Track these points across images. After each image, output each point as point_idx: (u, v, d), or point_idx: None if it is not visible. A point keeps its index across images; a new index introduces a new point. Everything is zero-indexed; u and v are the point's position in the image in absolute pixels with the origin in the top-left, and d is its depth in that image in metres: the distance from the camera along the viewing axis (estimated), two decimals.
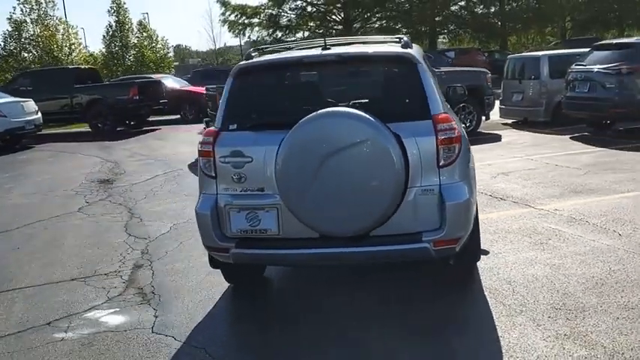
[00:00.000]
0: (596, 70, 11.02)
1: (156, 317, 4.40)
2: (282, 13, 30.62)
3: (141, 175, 10.61)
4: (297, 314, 4.36)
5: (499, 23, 31.63)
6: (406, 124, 3.79)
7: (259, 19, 30.48)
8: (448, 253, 3.88)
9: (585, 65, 11.32)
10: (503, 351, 3.52)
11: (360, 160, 3.64)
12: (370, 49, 4.45)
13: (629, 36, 42.13)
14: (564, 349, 3.47)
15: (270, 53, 4.64)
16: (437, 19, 30.43)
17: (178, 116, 21.52)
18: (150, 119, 20.48)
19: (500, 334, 3.71)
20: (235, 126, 4.10)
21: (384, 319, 4.13)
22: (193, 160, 11.80)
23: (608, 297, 4.12)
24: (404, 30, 28.78)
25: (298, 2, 29.88)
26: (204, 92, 13.24)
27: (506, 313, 4.01)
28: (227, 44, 63.45)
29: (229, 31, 31.50)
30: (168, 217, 7.37)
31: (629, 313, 3.85)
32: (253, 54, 4.44)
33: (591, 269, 4.64)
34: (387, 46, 4.46)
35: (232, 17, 30.41)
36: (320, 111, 3.73)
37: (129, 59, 35.18)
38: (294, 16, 30.54)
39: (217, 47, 58.56)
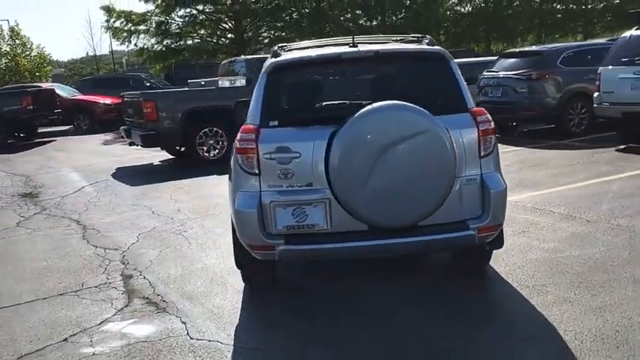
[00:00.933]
0: (504, 75, 11.93)
1: (184, 323, 4.21)
2: (171, 21, 29.83)
3: (64, 187, 9.97)
4: (324, 308, 4.37)
5: (381, 35, 32.95)
6: (447, 117, 3.94)
7: (146, 25, 29.47)
8: (488, 239, 4.08)
9: (497, 72, 12.21)
10: (555, 325, 3.78)
11: (418, 152, 3.74)
12: (402, 46, 4.58)
13: (498, 48, 45.79)
14: (606, 320, 3.79)
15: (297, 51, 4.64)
16: (326, 30, 31.11)
17: (70, 127, 20.36)
18: (40, 130, 19.20)
19: (542, 312, 3.98)
20: (276, 122, 4.05)
21: (424, 304, 4.27)
22: (115, 170, 11.36)
23: (614, 273, 4.54)
24: (297, 39, 29.17)
25: (188, 10, 29.25)
26: (121, 100, 12.63)
27: (535, 293, 4.29)
28: (103, 52, 60.42)
29: (114, 38, 30.11)
30: (126, 227, 7.01)
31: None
32: (280, 52, 4.41)
33: (584, 251, 5.07)
34: (415, 44, 4.61)
35: (117, 24, 29.15)
36: (376, 104, 3.78)
37: (0, 68, 32.58)
38: (183, 23, 29.85)
39: (92, 54, 55.51)
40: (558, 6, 39.20)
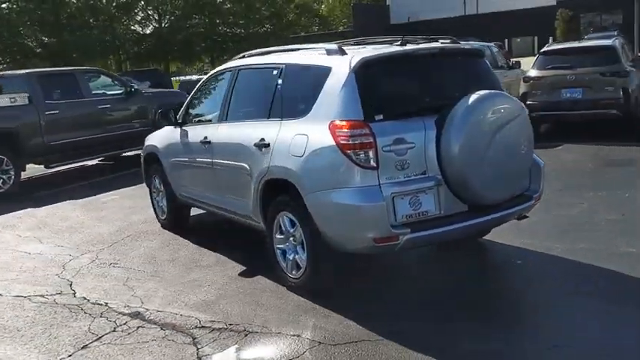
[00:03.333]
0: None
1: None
2: None
3: None
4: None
5: (74, 54, 31.26)
6: None
7: None
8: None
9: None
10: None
11: (515, 134, 4.36)
12: (454, 44, 4.95)
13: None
14: None
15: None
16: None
17: None
18: None
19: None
20: (381, 116, 4.17)
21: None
22: None
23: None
24: None
25: None
26: None
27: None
28: None
29: None
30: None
31: None
32: (345, 47, 4.58)
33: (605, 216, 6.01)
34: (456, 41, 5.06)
35: None
36: (481, 93, 4.27)
37: None
38: None
39: None
40: (227, 30, 42.52)
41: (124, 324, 4.38)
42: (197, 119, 6.26)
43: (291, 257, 4.76)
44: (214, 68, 7.26)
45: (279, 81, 4.90)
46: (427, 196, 4.21)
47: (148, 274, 5.47)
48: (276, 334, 4.06)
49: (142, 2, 38.59)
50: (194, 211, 6.91)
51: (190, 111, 6.38)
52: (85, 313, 4.64)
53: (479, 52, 4.98)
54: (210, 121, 5.94)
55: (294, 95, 4.84)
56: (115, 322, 4.42)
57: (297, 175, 4.43)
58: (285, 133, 4.64)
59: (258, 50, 5.78)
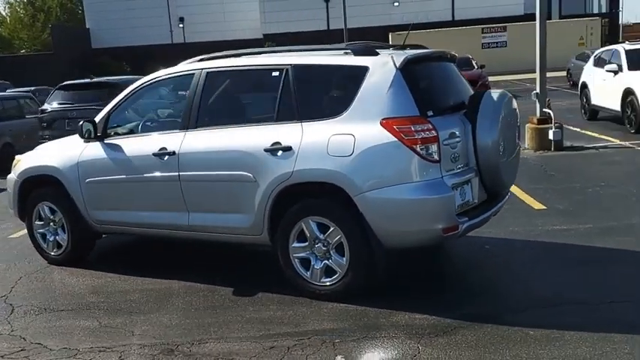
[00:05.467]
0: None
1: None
2: None
3: None
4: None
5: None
6: None
7: None
8: None
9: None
10: None
11: (515, 125, 5.04)
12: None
13: None
14: None
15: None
16: None
17: None
18: None
19: None
20: (432, 112, 4.32)
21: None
22: None
23: None
24: None
25: None
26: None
27: None
28: None
29: None
30: None
31: None
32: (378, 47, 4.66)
33: None
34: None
35: None
36: (501, 91, 4.84)
37: None
38: None
39: None
40: None
41: None
42: (133, 130, 5.46)
43: (318, 265, 4.56)
44: None
45: (287, 82, 4.65)
46: (468, 187, 4.53)
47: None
48: (380, 338, 3.94)
49: None
50: None
51: (116, 123, 5.51)
52: None
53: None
54: (163, 130, 5.25)
55: (314, 96, 4.70)
56: None
57: (343, 176, 4.30)
58: (314, 134, 4.46)
59: (225, 53, 5.31)
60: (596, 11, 44.89)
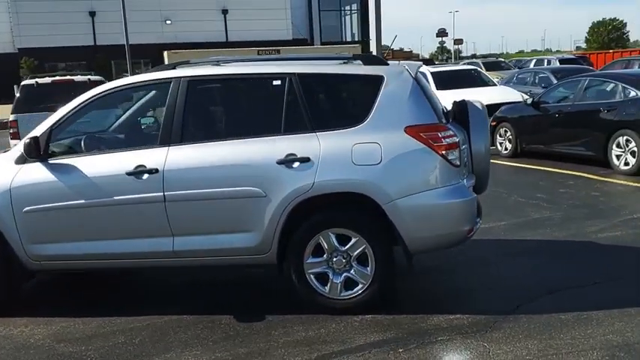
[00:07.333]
0: None
1: None
2: None
3: None
4: None
5: None
6: None
7: None
8: None
9: None
10: None
11: None
12: None
13: None
14: None
15: None
16: None
17: None
18: None
19: None
20: (444, 119, 4.53)
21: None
22: None
23: None
24: None
25: None
26: None
27: None
28: None
29: None
30: None
31: None
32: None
33: None
34: None
35: None
36: (478, 101, 5.10)
37: None
38: None
39: None
40: None
41: None
42: (89, 147, 4.69)
43: (338, 279, 4.44)
44: None
45: (293, 92, 4.46)
46: (470, 190, 4.74)
47: None
48: (440, 342, 3.97)
49: None
50: None
51: (62, 139, 4.68)
52: None
53: None
54: (135, 146, 4.61)
55: (327, 106, 4.62)
56: None
57: (373, 185, 4.28)
58: (333, 144, 4.34)
59: (207, 59, 4.82)
60: (349, 39, 49.72)
